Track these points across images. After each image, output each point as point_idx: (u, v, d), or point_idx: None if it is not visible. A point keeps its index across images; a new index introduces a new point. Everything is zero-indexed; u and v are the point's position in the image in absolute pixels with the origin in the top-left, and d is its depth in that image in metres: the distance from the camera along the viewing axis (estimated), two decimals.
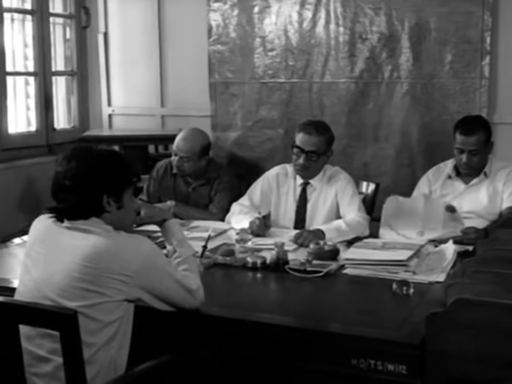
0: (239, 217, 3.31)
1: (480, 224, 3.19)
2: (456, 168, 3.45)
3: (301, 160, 3.33)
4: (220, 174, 3.77)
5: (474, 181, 3.41)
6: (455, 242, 2.85)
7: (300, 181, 3.44)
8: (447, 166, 3.51)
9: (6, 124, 4.49)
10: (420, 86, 4.10)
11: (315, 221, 3.35)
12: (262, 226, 3.14)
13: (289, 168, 3.49)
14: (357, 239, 3.07)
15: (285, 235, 3.11)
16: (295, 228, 3.34)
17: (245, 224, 3.16)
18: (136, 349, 2.10)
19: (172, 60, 4.85)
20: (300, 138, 3.35)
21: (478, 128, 3.36)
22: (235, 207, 3.42)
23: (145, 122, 4.94)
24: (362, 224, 3.18)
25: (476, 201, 3.35)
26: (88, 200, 2.05)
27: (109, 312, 2.00)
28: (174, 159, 3.72)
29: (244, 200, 3.46)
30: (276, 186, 3.47)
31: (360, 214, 3.25)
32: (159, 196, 3.79)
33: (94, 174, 2.05)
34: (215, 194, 3.72)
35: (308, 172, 3.37)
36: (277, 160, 4.01)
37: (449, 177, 3.47)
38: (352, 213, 3.24)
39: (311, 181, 3.41)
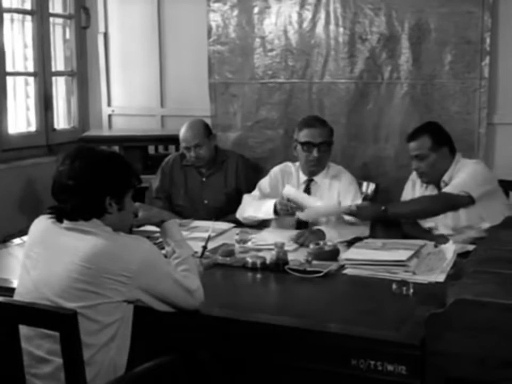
0: (256, 203, 3.32)
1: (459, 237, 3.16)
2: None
3: (314, 154, 3.35)
4: (229, 156, 3.93)
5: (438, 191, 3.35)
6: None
7: (303, 178, 3.45)
8: None
9: (6, 124, 4.49)
10: (419, 87, 4.10)
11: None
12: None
13: (292, 166, 3.52)
14: (357, 239, 3.07)
15: (285, 234, 3.10)
16: (298, 225, 3.33)
17: (267, 206, 3.19)
18: (136, 349, 2.10)
19: (171, 60, 4.85)
20: (306, 134, 3.37)
21: (420, 134, 3.35)
22: (247, 198, 3.44)
23: (145, 123, 4.94)
24: (362, 224, 3.17)
25: (446, 216, 3.28)
26: (91, 201, 2.05)
27: (108, 313, 2.00)
28: (190, 155, 3.82)
29: (254, 192, 3.49)
30: (281, 180, 3.49)
31: None
32: (170, 190, 3.84)
33: (98, 175, 2.06)
34: (238, 177, 3.85)
35: (321, 164, 3.40)
36: (277, 160, 4.01)
37: (426, 187, 3.42)
38: None
39: (315, 178, 3.43)
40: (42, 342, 2.00)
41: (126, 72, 5.02)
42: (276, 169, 3.56)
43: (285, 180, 3.49)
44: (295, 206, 3.12)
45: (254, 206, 3.33)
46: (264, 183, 3.52)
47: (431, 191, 3.40)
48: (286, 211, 3.15)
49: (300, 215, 3.12)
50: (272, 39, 4.39)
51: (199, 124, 3.88)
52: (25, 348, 1.99)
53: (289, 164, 3.55)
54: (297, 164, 3.51)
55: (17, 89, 4.75)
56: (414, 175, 3.52)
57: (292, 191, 3.18)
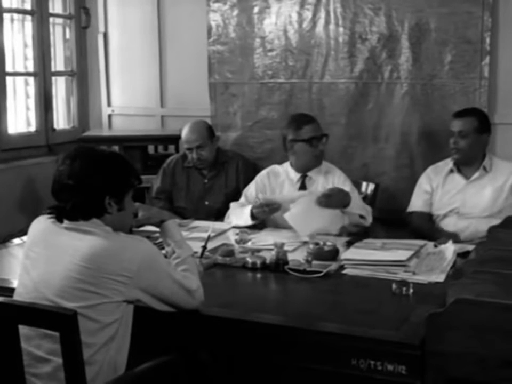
0: (238, 211, 3.34)
1: (480, 222, 3.21)
2: (456, 164, 3.48)
3: (320, 147, 3.42)
4: (230, 157, 3.93)
5: (475, 176, 3.44)
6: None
7: (296, 176, 3.46)
8: (447, 164, 3.53)
9: (6, 124, 4.49)
10: (419, 87, 4.10)
11: None
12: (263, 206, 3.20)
13: (279, 167, 3.56)
14: (357, 239, 3.07)
15: (285, 235, 3.10)
16: None
17: (245, 213, 3.23)
18: (136, 349, 2.10)
19: (171, 60, 4.85)
20: (308, 130, 3.41)
21: (469, 113, 3.47)
22: (232, 206, 3.45)
23: (145, 123, 4.94)
24: (370, 213, 3.25)
25: (478, 198, 3.37)
26: (91, 201, 2.05)
27: (108, 313, 2.00)
28: (192, 156, 3.80)
29: (240, 200, 3.50)
30: (268, 183, 3.53)
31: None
32: (171, 191, 3.83)
33: (98, 175, 2.06)
34: (238, 177, 3.85)
35: (323, 156, 3.47)
36: (277, 160, 4.01)
37: (451, 171, 3.49)
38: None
39: (309, 174, 3.44)
40: (42, 342, 2.00)
41: (126, 72, 5.02)
42: (262, 174, 3.58)
43: (272, 182, 3.52)
44: (272, 207, 3.17)
45: (236, 215, 3.36)
46: (250, 189, 3.53)
47: (451, 181, 3.46)
48: (263, 213, 3.19)
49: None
50: (272, 39, 4.39)
51: (202, 125, 3.86)
52: (25, 348, 1.99)
53: (276, 166, 3.60)
54: (285, 164, 3.54)
55: (17, 89, 4.75)
56: (429, 170, 3.57)
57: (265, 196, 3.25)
